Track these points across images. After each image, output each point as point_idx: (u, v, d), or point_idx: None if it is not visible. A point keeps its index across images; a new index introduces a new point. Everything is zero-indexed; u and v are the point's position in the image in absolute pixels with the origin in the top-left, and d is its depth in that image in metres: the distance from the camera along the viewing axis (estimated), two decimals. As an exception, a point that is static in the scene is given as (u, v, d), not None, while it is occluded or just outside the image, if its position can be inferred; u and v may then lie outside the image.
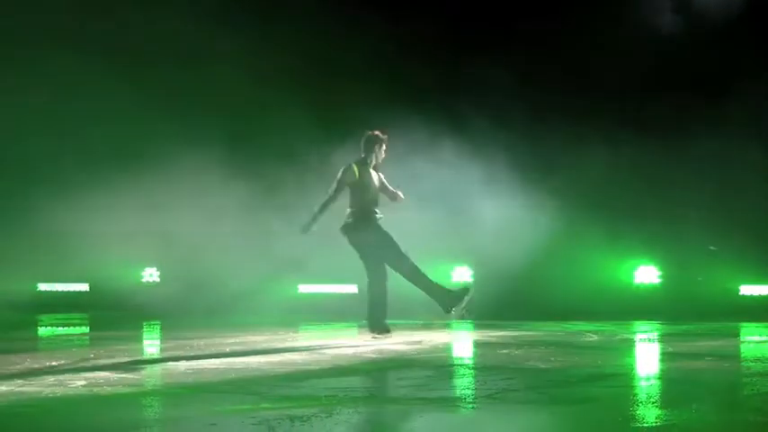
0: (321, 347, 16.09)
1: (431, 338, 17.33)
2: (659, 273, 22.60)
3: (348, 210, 16.59)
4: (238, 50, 22.24)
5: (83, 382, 11.55)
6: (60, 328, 19.70)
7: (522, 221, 21.02)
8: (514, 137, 21.51)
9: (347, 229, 16.59)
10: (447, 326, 19.72)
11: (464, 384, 12.22)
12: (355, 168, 16.47)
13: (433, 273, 18.95)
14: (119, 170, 21.60)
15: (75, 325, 20.24)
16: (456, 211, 21.49)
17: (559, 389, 10.90)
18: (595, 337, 17.20)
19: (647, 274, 22.52)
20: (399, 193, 17.02)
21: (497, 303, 21.18)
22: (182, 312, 21.52)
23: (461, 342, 17.67)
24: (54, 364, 13.56)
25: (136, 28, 23.40)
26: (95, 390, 11.08)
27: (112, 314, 21.33)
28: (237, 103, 22.92)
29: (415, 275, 16.59)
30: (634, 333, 18.76)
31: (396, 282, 17.03)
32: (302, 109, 22.33)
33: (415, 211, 19.30)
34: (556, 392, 10.66)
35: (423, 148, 20.72)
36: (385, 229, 16.58)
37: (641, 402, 10.06)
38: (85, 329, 20.17)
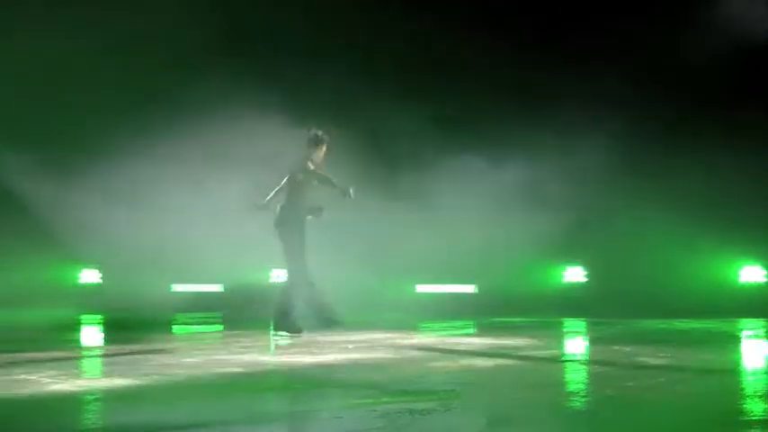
0: (437, 344, 16.57)
1: (539, 338, 17.48)
2: (765, 272, 22.27)
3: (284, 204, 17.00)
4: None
5: (213, 377, 12.09)
6: (196, 326, 20.16)
7: (633, 222, 21.06)
8: (626, 142, 21.37)
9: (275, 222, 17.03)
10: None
11: (578, 379, 12.67)
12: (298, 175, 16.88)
13: (547, 273, 19.34)
14: (247, 177, 21.49)
15: (209, 323, 20.55)
16: (570, 213, 21.29)
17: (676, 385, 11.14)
18: (704, 333, 17.60)
19: (752, 274, 22.26)
20: (350, 190, 16.74)
21: (609, 301, 21.04)
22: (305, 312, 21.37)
23: (574, 340, 17.98)
24: (188, 360, 14.00)
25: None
26: (223, 383, 11.63)
27: (244, 313, 21.44)
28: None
29: (291, 287, 17.02)
30: (740, 330, 18.85)
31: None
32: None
33: (531, 213, 19.60)
34: (671, 387, 10.91)
35: (552, 154, 20.91)
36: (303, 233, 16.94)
37: (750, 396, 10.34)
38: (219, 327, 20.56)
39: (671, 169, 21.28)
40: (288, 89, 22.19)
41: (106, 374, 13.32)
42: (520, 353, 15.17)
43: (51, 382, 11.75)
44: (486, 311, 21.24)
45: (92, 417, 10.08)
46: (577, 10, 22.46)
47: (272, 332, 16.72)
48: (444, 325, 19.84)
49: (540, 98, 21.87)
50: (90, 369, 14.24)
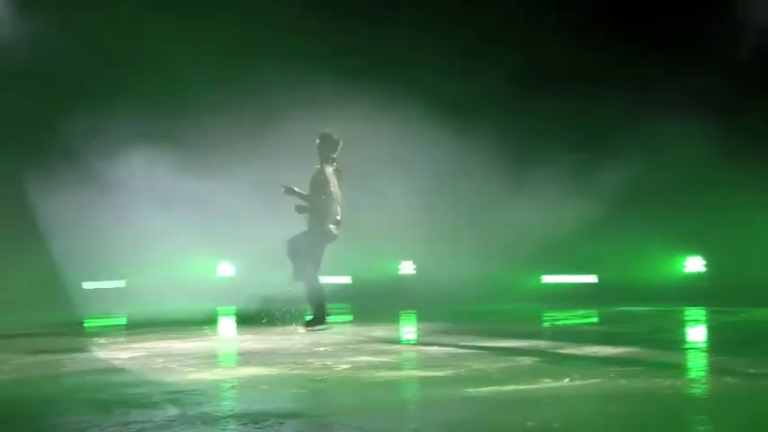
0: (565, 331, 16.98)
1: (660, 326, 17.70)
2: None
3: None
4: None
5: (347, 366, 12.43)
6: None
7: (752, 212, 20.79)
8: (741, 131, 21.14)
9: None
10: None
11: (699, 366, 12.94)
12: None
13: (666, 264, 19.51)
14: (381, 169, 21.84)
15: (338, 314, 20.68)
16: (689, 205, 21.10)
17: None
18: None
19: None
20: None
21: (729, 291, 20.68)
22: (433, 302, 21.75)
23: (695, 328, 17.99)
24: (320, 350, 14.27)
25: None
26: (358, 373, 11.94)
27: (372, 304, 21.58)
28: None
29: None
30: None
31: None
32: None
33: (651, 205, 19.73)
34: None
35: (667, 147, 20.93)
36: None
37: None
38: (348, 318, 20.75)
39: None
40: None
41: (241, 363, 13.77)
42: (641, 340, 15.43)
43: (192, 371, 12.34)
44: (609, 301, 21.15)
45: (226, 403, 10.59)
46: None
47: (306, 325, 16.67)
48: (568, 314, 19.90)
49: (653, 94, 21.71)
50: (226, 359, 14.69)
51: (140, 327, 18.16)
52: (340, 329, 17.87)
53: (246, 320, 19.06)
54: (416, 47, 23.24)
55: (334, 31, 23.29)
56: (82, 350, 14.76)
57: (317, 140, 16.68)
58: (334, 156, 16.76)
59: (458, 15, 22.84)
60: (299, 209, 16.46)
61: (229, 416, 9.68)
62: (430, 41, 22.95)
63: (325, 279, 23.16)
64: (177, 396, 10.39)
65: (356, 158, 20.91)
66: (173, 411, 9.55)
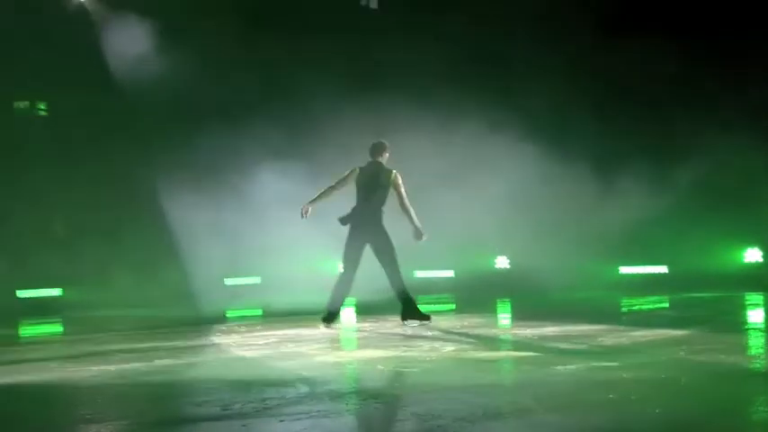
0: (640, 315, 17.09)
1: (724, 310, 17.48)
2: None
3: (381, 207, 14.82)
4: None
5: (451, 348, 12.44)
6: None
7: None
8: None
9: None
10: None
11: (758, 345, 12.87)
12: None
13: (728, 255, 19.31)
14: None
15: (443, 303, 20.75)
16: (747, 198, 20.95)
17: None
18: None
19: None
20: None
21: None
22: (525, 292, 21.47)
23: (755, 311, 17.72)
24: (428, 334, 14.23)
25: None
26: (461, 354, 11.97)
27: (472, 295, 21.33)
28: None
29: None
30: None
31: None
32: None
33: (716, 202, 19.54)
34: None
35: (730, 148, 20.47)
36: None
37: None
38: (452, 306, 20.63)
39: None
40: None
41: (360, 347, 13.87)
42: (707, 321, 15.41)
43: (318, 354, 12.45)
44: (678, 288, 20.84)
45: (349, 382, 10.67)
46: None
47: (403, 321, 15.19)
48: (643, 300, 19.74)
49: (720, 107, 21.22)
50: (348, 343, 14.82)
51: (273, 317, 18.24)
52: (445, 317, 17.90)
53: (365, 310, 19.03)
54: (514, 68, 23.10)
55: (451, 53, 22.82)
56: (224, 336, 14.95)
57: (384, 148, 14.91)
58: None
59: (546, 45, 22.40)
60: (343, 220, 14.64)
61: (352, 392, 9.79)
62: (529, 64, 22.76)
63: (431, 273, 23.26)
64: (306, 376, 10.49)
65: (459, 165, 20.95)
66: (303, 389, 9.66)
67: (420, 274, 22.93)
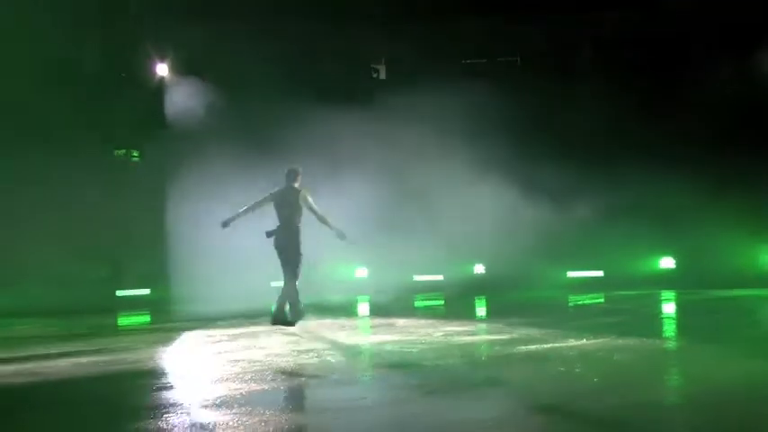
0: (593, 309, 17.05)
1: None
2: None
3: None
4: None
5: (441, 334, 12.52)
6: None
7: None
8: None
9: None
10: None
11: None
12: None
13: (645, 261, 19.17)
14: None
15: (435, 300, 20.24)
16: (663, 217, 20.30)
17: None
18: None
19: None
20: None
21: None
22: (498, 292, 20.60)
23: None
24: (422, 322, 14.23)
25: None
26: (449, 338, 12.10)
27: (458, 293, 20.58)
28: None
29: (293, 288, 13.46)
30: None
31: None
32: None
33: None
34: None
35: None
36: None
37: None
38: (441, 302, 20.09)
39: None
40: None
41: (374, 333, 13.84)
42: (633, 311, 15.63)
43: (342, 336, 12.60)
44: (612, 288, 20.40)
45: (365, 357, 10.85)
46: None
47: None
48: (585, 297, 19.51)
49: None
50: (364, 329, 14.81)
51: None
52: (436, 310, 18.08)
53: (376, 306, 19.08)
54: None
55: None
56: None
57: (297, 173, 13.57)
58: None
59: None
60: (268, 233, 13.38)
61: (370, 366, 10.09)
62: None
63: (426, 277, 22.97)
64: (333, 352, 10.78)
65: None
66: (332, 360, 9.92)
67: (418, 277, 22.70)
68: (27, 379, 9.60)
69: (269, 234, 13.35)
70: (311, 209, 13.34)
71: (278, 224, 13.41)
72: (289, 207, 13.35)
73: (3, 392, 8.90)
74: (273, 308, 13.57)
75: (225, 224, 13.40)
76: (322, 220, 13.36)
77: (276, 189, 13.57)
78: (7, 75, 18.07)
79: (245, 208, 13.45)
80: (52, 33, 18.19)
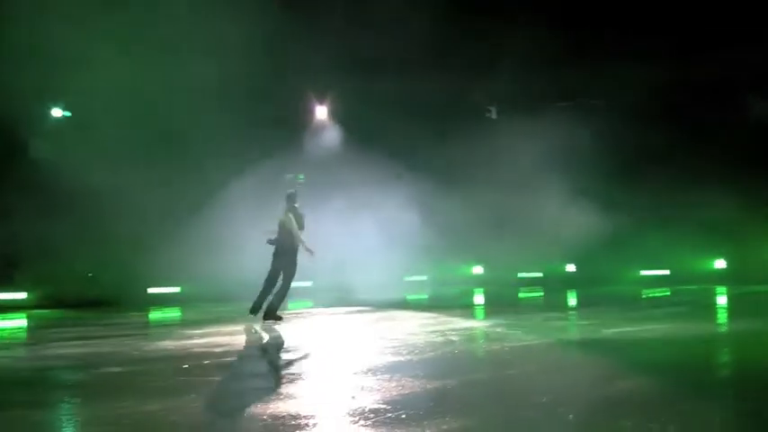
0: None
1: None
2: None
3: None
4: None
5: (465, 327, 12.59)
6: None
7: None
8: None
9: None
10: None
11: None
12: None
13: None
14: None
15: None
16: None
17: None
18: None
19: None
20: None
21: None
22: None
23: None
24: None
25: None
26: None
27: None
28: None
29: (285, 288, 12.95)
30: None
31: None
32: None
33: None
34: None
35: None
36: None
37: None
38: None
39: None
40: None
41: (488, 318, 13.87)
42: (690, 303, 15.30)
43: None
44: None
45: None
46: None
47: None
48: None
49: None
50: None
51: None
52: (537, 301, 17.98)
53: (488, 297, 19.00)
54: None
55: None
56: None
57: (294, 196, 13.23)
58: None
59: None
60: (270, 242, 12.93)
61: (483, 343, 10.15)
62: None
63: (528, 274, 22.72)
64: (455, 332, 10.71)
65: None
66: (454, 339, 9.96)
67: (521, 274, 22.54)
68: (225, 349, 9.73)
69: (272, 242, 12.87)
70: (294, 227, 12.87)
71: (277, 237, 12.89)
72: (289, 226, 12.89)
73: (201, 356, 9.14)
74: (264, 305, 12.94)
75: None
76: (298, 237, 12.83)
77: (288, 210, 13.03)
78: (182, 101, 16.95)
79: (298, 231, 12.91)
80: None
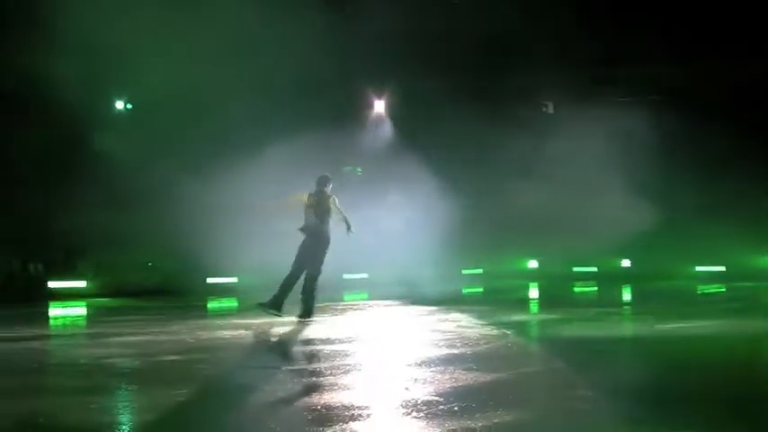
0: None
1: None
2: None
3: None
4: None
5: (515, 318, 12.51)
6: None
7: None
8: None
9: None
10: None
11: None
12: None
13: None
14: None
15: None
16: None
17: None
18: None
19: None
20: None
21: None
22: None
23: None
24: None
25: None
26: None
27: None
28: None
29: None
30: None
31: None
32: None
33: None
34: None
35: None
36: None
37: None
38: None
39: None
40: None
41: (542, 311, 13.81)
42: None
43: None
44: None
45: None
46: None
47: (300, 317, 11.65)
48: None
49: None
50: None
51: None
52: (591, 295, 17.79)
53: (543, 290, 18.94)
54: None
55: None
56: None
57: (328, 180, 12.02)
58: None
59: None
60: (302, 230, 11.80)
61: (537, 336, 10.07)
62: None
63: (583, 268, 22.57)
64: (509, 325, 10.66)
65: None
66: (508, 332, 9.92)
67: (576, 269, 22.38)
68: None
69: (303, 231, 11.68)
70: (339, 212, 11.82)
71: (309, 222, 11.71)
72: (326, 211, 11.74)
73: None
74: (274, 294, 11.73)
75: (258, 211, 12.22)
76: (344, 219, 11.81)
77: (311, 191, 11.92)
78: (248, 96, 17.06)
79: (282, 200, 12.12)
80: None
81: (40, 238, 17.81)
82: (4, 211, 17.28)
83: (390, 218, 18.57)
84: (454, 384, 6.66)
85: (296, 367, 7.90)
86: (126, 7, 15.64)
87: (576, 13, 18.99)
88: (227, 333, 10.38)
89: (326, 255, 11.72)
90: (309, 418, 5.68)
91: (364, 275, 19.38)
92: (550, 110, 22.71)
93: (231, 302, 16.25)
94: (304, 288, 11.65)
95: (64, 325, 13.30)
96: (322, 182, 11.91)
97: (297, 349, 9.12)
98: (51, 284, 17.36)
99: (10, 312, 13.62)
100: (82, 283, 17.63)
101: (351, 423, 5.52)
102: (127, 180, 17.04)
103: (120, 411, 6.40)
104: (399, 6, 18.63)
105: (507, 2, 18.54)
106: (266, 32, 16.45)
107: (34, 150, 17.05)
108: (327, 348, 8.90)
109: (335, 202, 11.87)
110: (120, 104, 19.68)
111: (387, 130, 21.85)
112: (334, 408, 5.90)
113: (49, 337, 11.43)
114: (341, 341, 9.60)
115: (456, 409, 5.79)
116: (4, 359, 8.71)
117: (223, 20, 16.43)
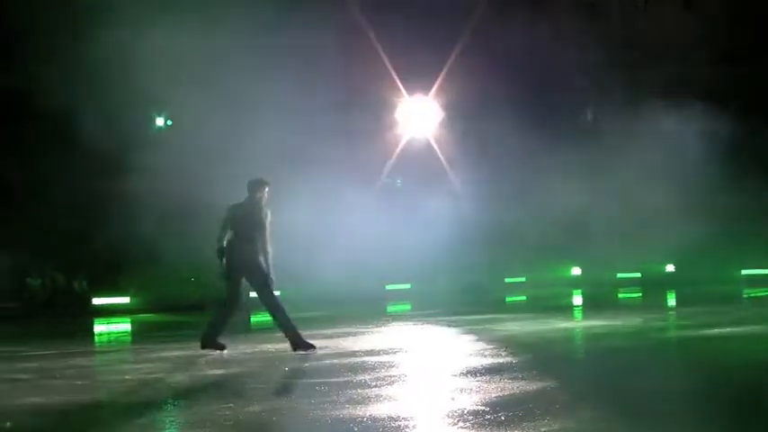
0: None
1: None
2: None
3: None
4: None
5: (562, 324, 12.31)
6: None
7: None
8: None
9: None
10: None
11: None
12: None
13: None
14: None
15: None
16: None
17: None
18: None
19: None
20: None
21: None
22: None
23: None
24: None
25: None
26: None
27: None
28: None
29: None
30: None
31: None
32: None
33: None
34: None
35: None
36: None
37: None
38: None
39: None
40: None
41: (585, 318, 13.64)
42: None
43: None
44: None
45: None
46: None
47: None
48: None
49: None
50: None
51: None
52: (635, 301, 17.61)
53: (586, 297, 18.79)
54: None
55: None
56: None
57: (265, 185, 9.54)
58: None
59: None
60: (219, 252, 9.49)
61: (581, 344, 9.95)
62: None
63: (626, 274, 22.43)
64: (553, 333, 10.54)
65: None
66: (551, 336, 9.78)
67: (620, 275, 22.31)
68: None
69: (221, 252, 9.43)
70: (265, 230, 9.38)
71: (231, 239, 9.47)
72: (258, 226, 9.37)
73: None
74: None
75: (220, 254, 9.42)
76: (264, 248, 9.36)
77: (236, 202, 9.61)
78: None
79: (222, 233, 9.50)
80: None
81: (83, 254, 18.03)
82: (48, 229, 17.51)
83: (433, 228, 18.63)
84: (500, 394, 6.60)
85: (341, 379, 7.83)
86: (171, 26, 15.70)
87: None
88: (269, 347, 10.37)
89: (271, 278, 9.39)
90: (356, 429, 5.64)
91: (407, 286, 19.36)
92: (590, 117, 22.66)
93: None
94: (277, 323, 9.67)
95: (108, 341, 13.34)
96: (254, 187, 9.49)
97: (341, 361, 9.06)
98: (96, 301, 17.55)
99: (55, 329, 13.73)
100: (125, 299, 17.80)
101: (397, 435, 5.49)
102: (169, 196, 17.03)
103: (167, 426, 6.39)
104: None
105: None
106: (307, 46, 17.00)
107: (78, 168, 17.30)
108: (372, 360, 8.85)
109: (268, 216, 9.45)
110: (160, 121, 19.85)
111: (436, 140, 21.86)
112: (380, 419, 5.84)
113: (93, 353, 11.53)
114: (385, 352, 9.56)
115: (503, 418, 5.72)
116: (50, 375, 8.73)
117: (263, 34, 16.67)
